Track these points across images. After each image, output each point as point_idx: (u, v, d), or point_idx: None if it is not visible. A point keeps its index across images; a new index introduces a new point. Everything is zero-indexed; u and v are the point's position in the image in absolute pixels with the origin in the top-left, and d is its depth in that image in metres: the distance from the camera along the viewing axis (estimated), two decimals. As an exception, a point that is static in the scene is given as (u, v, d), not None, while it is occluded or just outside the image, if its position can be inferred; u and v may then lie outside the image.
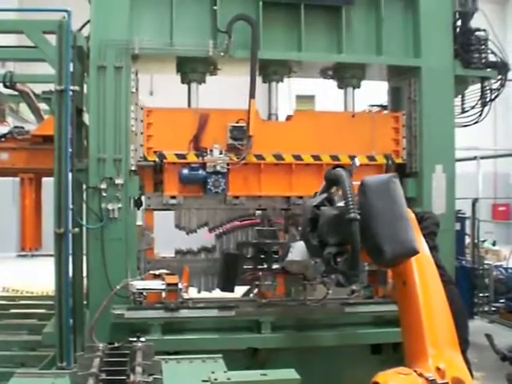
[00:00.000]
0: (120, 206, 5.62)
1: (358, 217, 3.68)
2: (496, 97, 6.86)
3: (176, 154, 5.89)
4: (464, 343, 4.43)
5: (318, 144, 6.16)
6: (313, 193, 5.89)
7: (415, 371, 3.37)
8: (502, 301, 9.06)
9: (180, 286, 5.44)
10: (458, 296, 5.03)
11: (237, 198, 6.05)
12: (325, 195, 4.16)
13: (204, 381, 2.89)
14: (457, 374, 3.35)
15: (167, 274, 5.55)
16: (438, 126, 6.31)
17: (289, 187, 6.15)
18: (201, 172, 5.86)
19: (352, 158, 5.97)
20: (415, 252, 3.75)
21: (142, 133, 5.87)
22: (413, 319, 3.73)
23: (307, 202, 4.32)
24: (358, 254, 3.73)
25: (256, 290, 5.93)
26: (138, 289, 5.40)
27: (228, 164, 5.88)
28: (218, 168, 5.82)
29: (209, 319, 5.55)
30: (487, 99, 6.87)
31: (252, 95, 5.90)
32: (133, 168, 5.73)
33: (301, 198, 6.09)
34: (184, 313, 5.47)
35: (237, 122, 5.95)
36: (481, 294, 9.10)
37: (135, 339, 3.08)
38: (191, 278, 5.87)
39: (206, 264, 6.08)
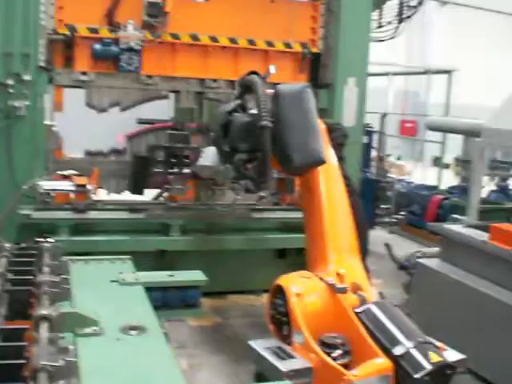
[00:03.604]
0: (27, 103, 5.41)
1: (270, 124, 3.73)
2: (413, 14, 6.94)
3: (88, 28, 5.64)
4: (364, 251, 4.64)
5: (235, 27, 6.07)
6: (227, 76, 5.98)
7: (316, 275, 3.54)
8: (402, 213, 9.45)
9: (89, 187, 5.40)
10: (361, 206, 5.23)
11: (150, 77, 5.90)
12: (238, 101, 4.16)
13: (112, 281, 2.94)
14: (355, 280, 3.53)
15: (76, 175, 5.48)
16: (355, 38, 6.35)
17: (204, 69, 6.07)
18: (114, 48, 5.64)
19: (268, 43, 5.98)
20: (322, 162, 3.85)
21: (52, 4, 5.55)
22: (316, 225, 3.86)
23: (220, 108, 4.32)
24: (267, 161, 3.81)
25: (166, 194, 5.96)
26: (46, 189, 5.32)
27: (142, 41, 5.70)
28: (132, 45, 5.62)
29: (118, 221, 5.57)
30: (404, 15, 6.94)
31: None
32: (42, 64, 5.50)
33: (215, 81, 6.06)
34: (93, 214, 5.47)
35: (153, -2, 5.72)
36: (383, 206, 9.45)
37: (42, 240, 3.07)
38: (101, 180, 5.82)
39: (116, 166, 6.04)
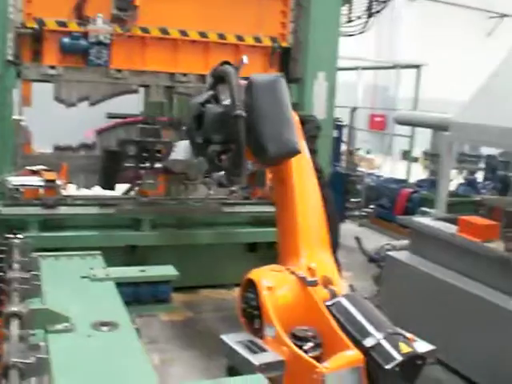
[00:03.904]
0: (-5, 98, 5.33)
1: (244, 114, 3.69)
2: (382, 9, 6.99)
3: (57, 22, 5.55)
4: (335, 245, 4.67)
5: (205, 21, 6.05)
6: (197, 70, 5.92)
7: (287, 269, 3.56)
8: (371, 206, 9.54)
9: (58, 182, 5.35)
10: (333, 200, 5.26)
11: (120, 71, 5.84)
12: (211, 92, 4.08)
13: (83, 277, 2.92)
14: (326, 274, 3.55)
15: (45, 170, 5.43)
16: (324, 33, 6.37)
17: (174, 64, 6.03)
18: (82, 42, 5.57)
19: (238, 37, 5.98)
20: (297, 152, 3.83)
21: (20, -3, 5.44)
22: (288, 219, 3.85)
23: (193, 100, 4.24)
24: (242, 151, 3.76)
25: (137, 188, 5.93)
26: (15, 185, 5.26)
27: (112, 35, 5.63)
28: (101, 38, 5.54)
29: (88, 216, 5.54)
30: (373, 10, 6.99)
31: None
32: (10, 58, 5.42)
33: (185, 75, 6.03)
34: (63, 210, 5.42)
35: (122, -9, 5.66)
36: (352, 199, 9.53)
37: (12, 236, 3.04)
38: (70, 175, 5.77)
39: (86, 161, 5.98)
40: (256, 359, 3.05)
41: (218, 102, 4.03)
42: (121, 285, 2.93)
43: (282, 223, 4.00)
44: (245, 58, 4.08)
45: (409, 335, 3.18)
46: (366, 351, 3.02)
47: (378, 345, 3.03)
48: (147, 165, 5.60)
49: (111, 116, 6.27)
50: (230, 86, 3.82)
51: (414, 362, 3.03)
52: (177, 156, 5.00)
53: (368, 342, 3.05)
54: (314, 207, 3.91)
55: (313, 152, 4.39)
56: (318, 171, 4.39)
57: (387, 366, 2.94)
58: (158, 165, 5.59)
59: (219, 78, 4.08)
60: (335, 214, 5.18)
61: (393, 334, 3.09)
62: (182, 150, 4.86)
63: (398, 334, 3.12)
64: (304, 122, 4.44)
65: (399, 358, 2.96)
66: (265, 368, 2.98)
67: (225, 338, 3.30)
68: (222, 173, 4.11)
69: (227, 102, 3.90)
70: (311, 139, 4.79)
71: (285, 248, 3.86)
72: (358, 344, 3.05)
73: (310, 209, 3.88)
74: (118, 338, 2.26)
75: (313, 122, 5.28)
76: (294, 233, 3.77)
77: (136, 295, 3.19)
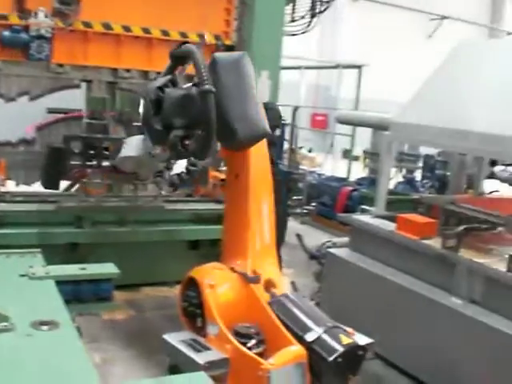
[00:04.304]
0: None
1: (214, 89, 3.44)
2: (326, 9, 7.08)
3: None
4: (280, 242, 4.61)
5: (148, 17, 5.99)
6: (141, 66, 5.85)
7: (229, 267, 3.56)
8: (313, 204, 9.65)
9: (-4, 178, 5.23)
10: (284, 195, 5.10)
11: (61, 66, 5.71)
12: (169, 76, 3.83)
13: (22, 275, 2.87)
14: (270, 276, 3.52)
15: (-18, 167, 5.29)
16: (268, 32, 6.40)
17: (117, 59, 5.95)
18: (23, 35, 5.41)
19: (182, 34, 5.96)
20: (266, 133, 3.66)
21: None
22: (239, 217, 3.71)
23: (149, 85, 3.93)
24: (212, 130, 3.48)
25: (78, 185, 5.82)
26: (-50, 180, 5.12)
27: (53, 29, 5.51)
28: (43, 32, 5.40)
29: (28, 213, 5.43)
30: (316, 10, 7.07)
31: None
32: None
33: (128, 71, 5.97)
34: (1, 206, 5.31)
35: (65, -15, 5.55)
36: (295, 197, 9.61)
37: None
38: (9, 171, 5.64)
39: (26, 157, 5.85)
40: (200, 358, 3.05)
41: (175, 87, 3.80)
42: (61, 283, 2.88)
43: (230, 221, 3.85)
44: (206, 35, 3.86)
45: (348, 329, 3.24)
46: (308, 346, 3.07)
47: (320, 338, 3.08)
48: (94, 163, 5.36)
49: (52, 111, 6.16)
50: (195, 62, 3.55)
51: (355, 353, 3.10)
52: (127, 153, 4.55)
53: (309, 337, 3.10)
54: (267, 207, 3.76)
55: (271, 144, 4.16)
56: (274, 164, 4.24)
57: (330, 358, 3.00)
58: (105, 163, 5.32)
59: (180, 59, 3.86)
60: (285, 211, 4.99)
61: (333, 328, 3.15)
62: (133, 146, 4.47)
63: (337, 327, 3.18)
64: (266, 109, 4.08)
65: (341, 349, 3.03)
66: (209, 366, 2.98)
67: (167, 337, 3.28)
68: (174, 172, 4.00)
69: (187, 84, 3.73)
70: (273, 128, 4.39)
71: (231, 247, 3.77)
72: (299, 339, 3.10)
73: (264, 209, 3.73)
74: (59, 338, 2.23)
75: (275, 111, 5.08)
76: (243, 233, 3.65)
77: (77, 293, 3.14)
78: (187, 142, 3.66)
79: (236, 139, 3.56)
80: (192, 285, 3.44)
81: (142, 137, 4.22)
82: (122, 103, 6.11)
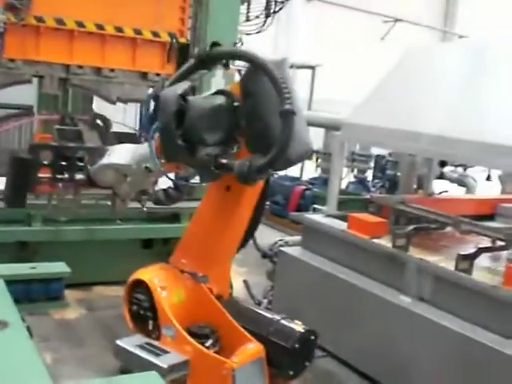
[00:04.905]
0: None
1: (295, 110, 2.89)
2: (280, 9, 7.12)
3: None
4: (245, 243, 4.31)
5: (102, 13, 5.93)
6: (94, 63, 5.77)
7: (181, 271, 3.47)
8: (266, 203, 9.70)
9: None
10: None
11: (13, 61, 5.63)
12: (189, 83, 3.26)
13: (-31, 274, 2.82)
14: (220, 290, 3.40)
15: None
16: (223, 30, 6.39)
17: (69, 55, 5.88)
18: None
19: (136, 31, 5.90)
20: (312, 149, 3.34)
21: None
22: (216, 227, 3.42)
23: (167, 91, 3.17)
24: (284, 154, 2.93)
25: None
26: None
27: (5, 24, 5.42)
28: None
29: (-25, 212, 5.31)
30: (271, 10, 7.11)
31: None
32: None
33: (81, 67, 5.90)
34: None
35: (16, -20, 5.46)
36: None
37: None
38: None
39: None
40: (162, 362, 2.94)
41: (194, 94, 3.30)
42: (11, 282, 2.84)
43: (202, 225, 3.52)
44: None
45: (296, 321, 3.28)
46: (264, 339, 3.10)
47: (275, 330, 3.13)
48: (66, 176, 4.71)
49: (2, 106, 6.05)
50: (271, 76, 2.94)
51: (308, 337, 3.15)
52: (113, 160, 3.66)
53: (265, 331, 3.13)
54: (245, 221, 3.48)
55: None
56: None
57: (288, 345, 3.04)
58: (79, 176, 4.11)
59: (208, 62, 3.46)
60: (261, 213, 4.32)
61: (284, 319, 3.22)
62: (121, 155, 3.63)
63: (287, 317, 3.24)
64: None
65: (297, 334, 3.08)
66: (172, 369, 2.91)
67: (120, 342, 3.11)
68: (161, 189, 3.73)
69: (207, 93, 3.33)
70: None
71: (192, 250, 3.50)
72: (255, 335, 3.11)
73: (242, 224, 3.47)
74: (8, 337, 2.21)
75: None
76: (214, 243, 3.41)
77: (27, 293, 3.10)
78: (224, 161, 3.13)
79: (286, 159, 3.05)
80: (140, 287, 3.36)
81: (133, 146, 3.60)
82: (74, 100, 6.02)
